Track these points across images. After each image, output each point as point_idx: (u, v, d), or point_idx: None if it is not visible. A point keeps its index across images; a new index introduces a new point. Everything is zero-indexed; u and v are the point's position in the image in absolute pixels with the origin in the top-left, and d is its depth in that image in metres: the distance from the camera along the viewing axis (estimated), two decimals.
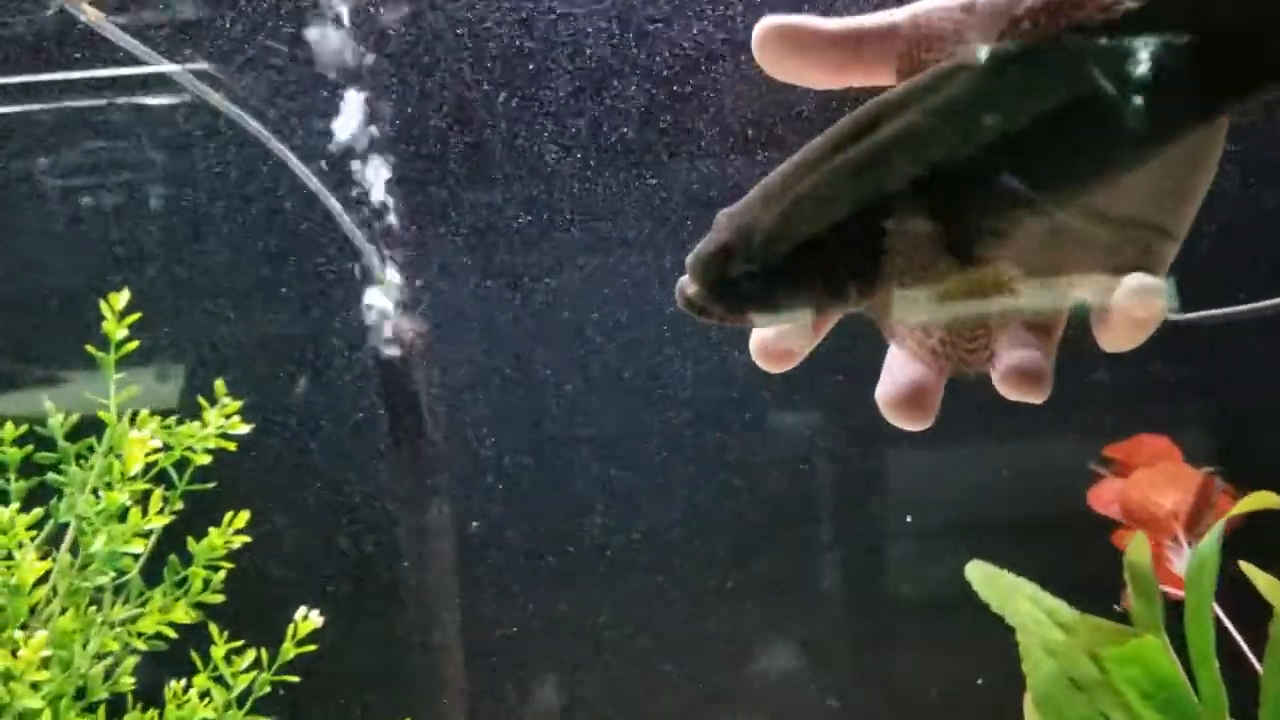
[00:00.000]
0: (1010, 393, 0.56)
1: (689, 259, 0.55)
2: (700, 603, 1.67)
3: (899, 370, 0.58)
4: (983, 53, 0.52)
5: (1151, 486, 1.32)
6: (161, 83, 1.41)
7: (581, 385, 1.56)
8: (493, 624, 1.55)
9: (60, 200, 1.49)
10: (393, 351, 1.39)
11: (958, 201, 0.53)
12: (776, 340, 0.59)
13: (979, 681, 1.66)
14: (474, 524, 1.49)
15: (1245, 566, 0.99)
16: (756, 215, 0.55)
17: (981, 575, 1.06)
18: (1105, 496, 1.37)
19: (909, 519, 1.71)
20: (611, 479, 1.57)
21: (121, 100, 1.43)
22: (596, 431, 1.59)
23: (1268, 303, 1.14)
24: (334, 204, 1.32)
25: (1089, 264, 0.56)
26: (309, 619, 1.32)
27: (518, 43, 1.44)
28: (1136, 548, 1.00)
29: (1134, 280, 0.51)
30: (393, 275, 1.41)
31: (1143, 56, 0.50)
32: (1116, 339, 0.53)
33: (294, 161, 1.32)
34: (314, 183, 1.33)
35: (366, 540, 1.48)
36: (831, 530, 1.75)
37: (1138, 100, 0.51)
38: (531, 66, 1.45)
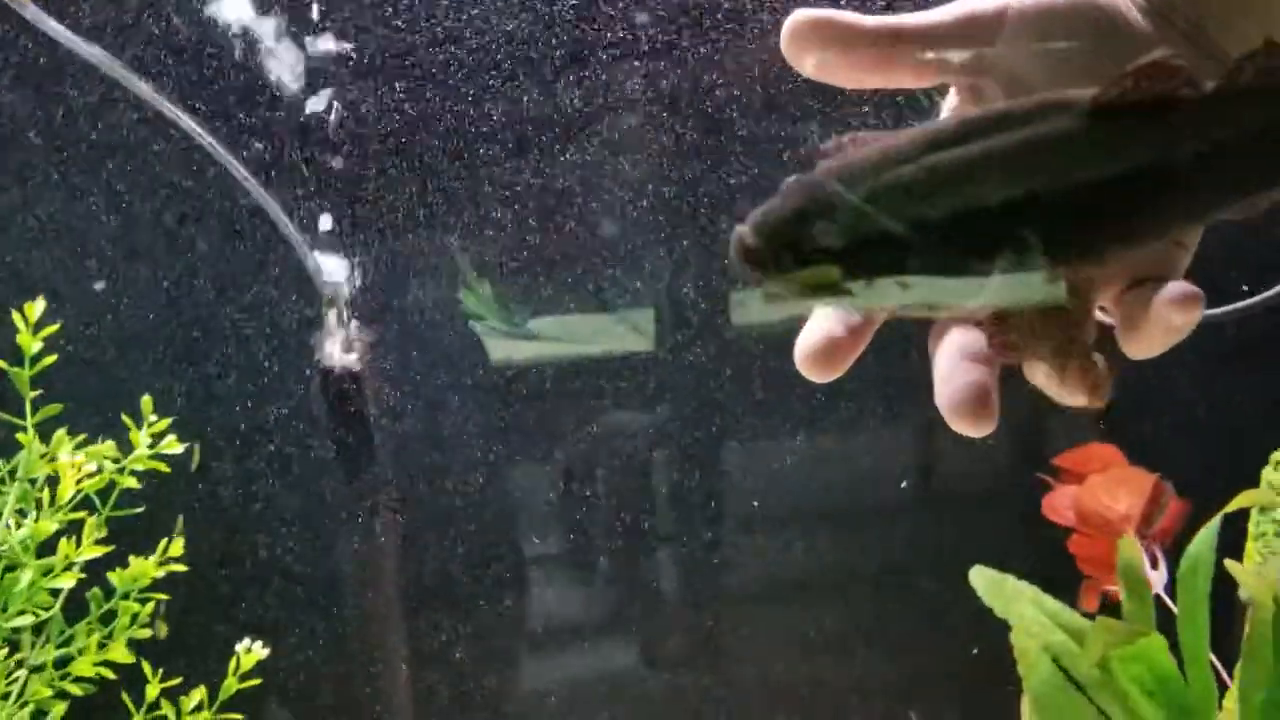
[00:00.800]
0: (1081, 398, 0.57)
1: (756, 214, 0.53)
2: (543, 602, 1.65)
3: (958, 375, 0.57)
4: (1084, 99, 0.54)
5: (1105, 492, 1.37)
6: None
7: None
8: (436, 640, 1.50)
9: None
10: (339, 364, 1.32)
11: (1039, 229, 0.55)
12: (824, 341, 0.59)
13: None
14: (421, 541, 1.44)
15: (1230, 564, 1.04)
16: (836, 190, 0.54)
17: (985, 581, 1.08)
18: (1060, 504, 1.41)
19: (755, 504, 1.74)
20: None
21: None
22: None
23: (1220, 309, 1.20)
24: (278, 213, 1.25)
25: (1118, 276, 0.58)
26: (252, 651, 1.24)
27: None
28: (1126, 550, 1.03)
29: (1176, 288, 0.53)
30: (337, 282, 1.35)
31: (1218, 137, 0.53)
32: (1149, 346, 0.54)
33: (235, 165, 1.24)
34: (254, 187, 1.25)
35: (311, 559, 1.41)
36: (670, 524, 1.75)
37: (1207, 177, 0.54)
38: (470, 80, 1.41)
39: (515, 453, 1.58)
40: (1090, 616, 1.16)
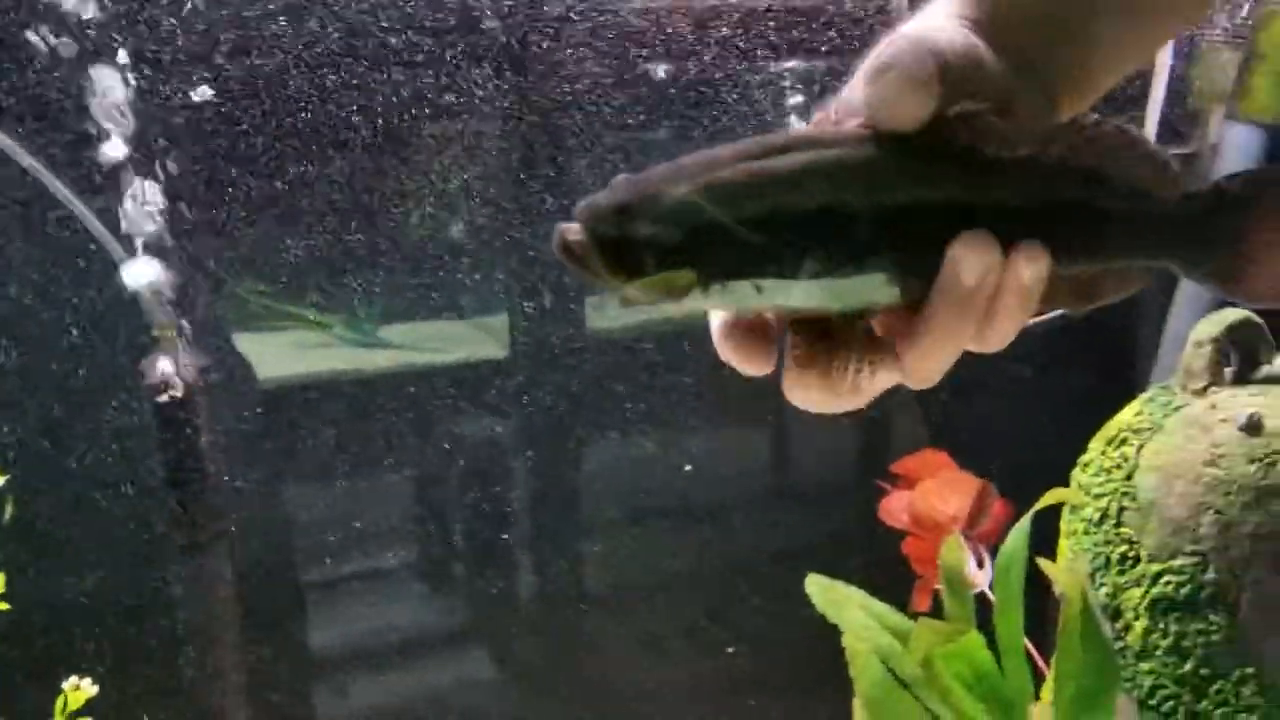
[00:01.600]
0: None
1: (581, 206, 0.55)
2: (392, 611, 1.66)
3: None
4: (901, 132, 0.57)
5: (935, 495, 1.44)
6: None
7: None
8: (276, 664, 1.48)
9: None
10: (169, 389, 1.29)
11: (843, 235, 0.58)
12: (722, 333, 0.60)
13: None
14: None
15: (1041, 561, 1.11)
16: (663, 186, 0.56)
17: (818, 587, 1.12)
18: (895, 508, 1.48)
19: (611, 506, 1.76)
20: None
21: None
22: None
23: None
24: (103, 233, 1.22)
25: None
26: (80, 688, 1.21)
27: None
28: (950, 551, 1.09)
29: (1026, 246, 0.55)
30: (165, 305, 1.32)
31: (1016, 203, 0.58)
32: (1003, 328, 0.56)
33: (62, 191, 1.20)
34: (78, 206, 1.22)
35: (144, 590, 1.37)
36: (524, 530, 1.78)
37: (1008, 231, 0.57)
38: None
39: (364, 464, 1.57)
40: (921, 615, 1.22)
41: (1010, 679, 1.12)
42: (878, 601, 1.12)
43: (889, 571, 1.37)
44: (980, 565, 1.38)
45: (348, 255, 1.51)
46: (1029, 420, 1.70)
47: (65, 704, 1.20)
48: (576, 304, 1.69)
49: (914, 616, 1.19)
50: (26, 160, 1.27)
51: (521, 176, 1.59)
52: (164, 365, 1.27)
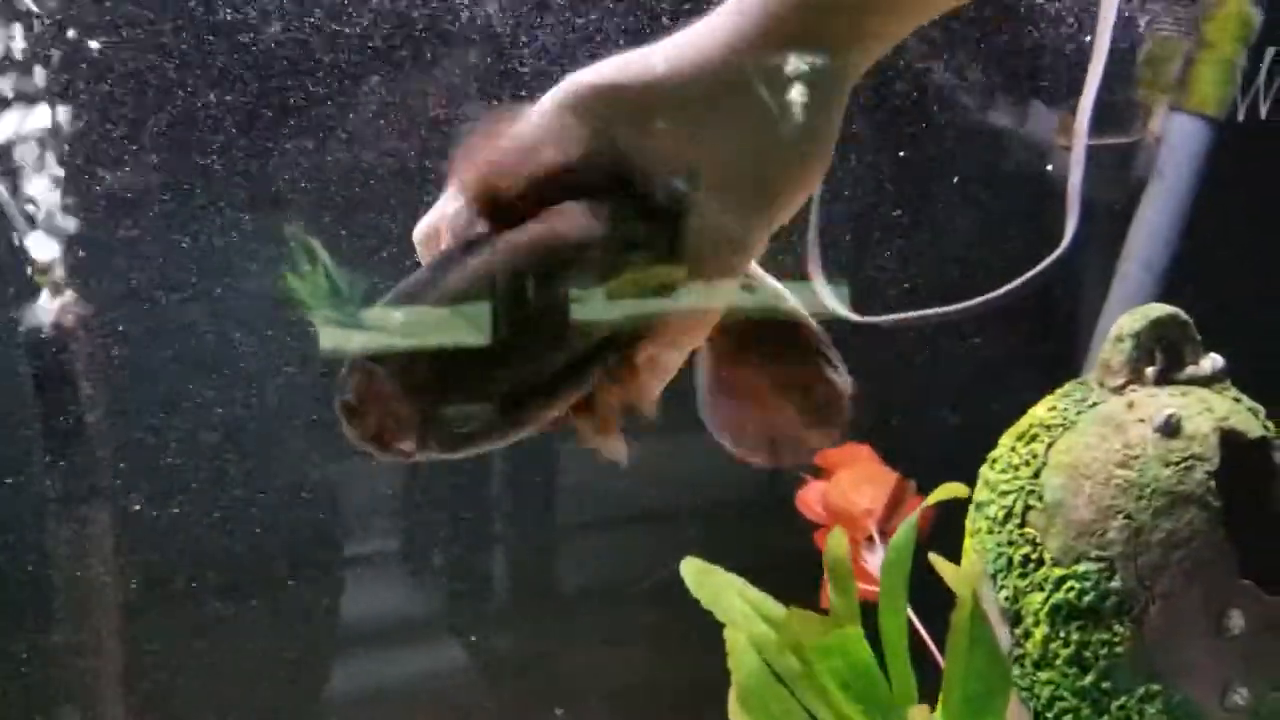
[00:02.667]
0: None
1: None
2: (371, 601, 1.63)
3: None
4: None
5: (851, 487, 1.40)
6: None
7: (252, 374, 1.47)
8: (153, 634, 1.44)
9: None
10: (49, 335, 1.26)
11: None
12: None
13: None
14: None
15: (933, 558, 1.06)
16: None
17: (694, 571, 1.08)
18: (810, 498, 1.44)
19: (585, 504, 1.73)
20: (279, 475, 1.50)
21: None
22: (267, 424, 1.51)
23: (934, 310, 1.24)
24: None
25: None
26: None
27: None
28: (835, 542, 1.05)
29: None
30: (49, 249, 1.28)
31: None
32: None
33: None
34: None
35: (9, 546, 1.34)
36: (508, 523, 1.75)
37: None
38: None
39: (337, 450, 1.53)
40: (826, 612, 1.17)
41: (893, 680, 1.07)
42: (755, 590, 1.07)
43: None
44: None
45: (327, 229, 1.47)
46: (960, 413, 1.65)
47: None
48: (560, 295, 1.65)
49: (823, 613, 1.14)
50: None
51: None
52: (45, 315, 1.24)
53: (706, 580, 1.07)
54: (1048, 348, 1.61)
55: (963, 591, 1.06)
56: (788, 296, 0.66)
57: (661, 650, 1.80)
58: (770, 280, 0.67)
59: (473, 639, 1.73)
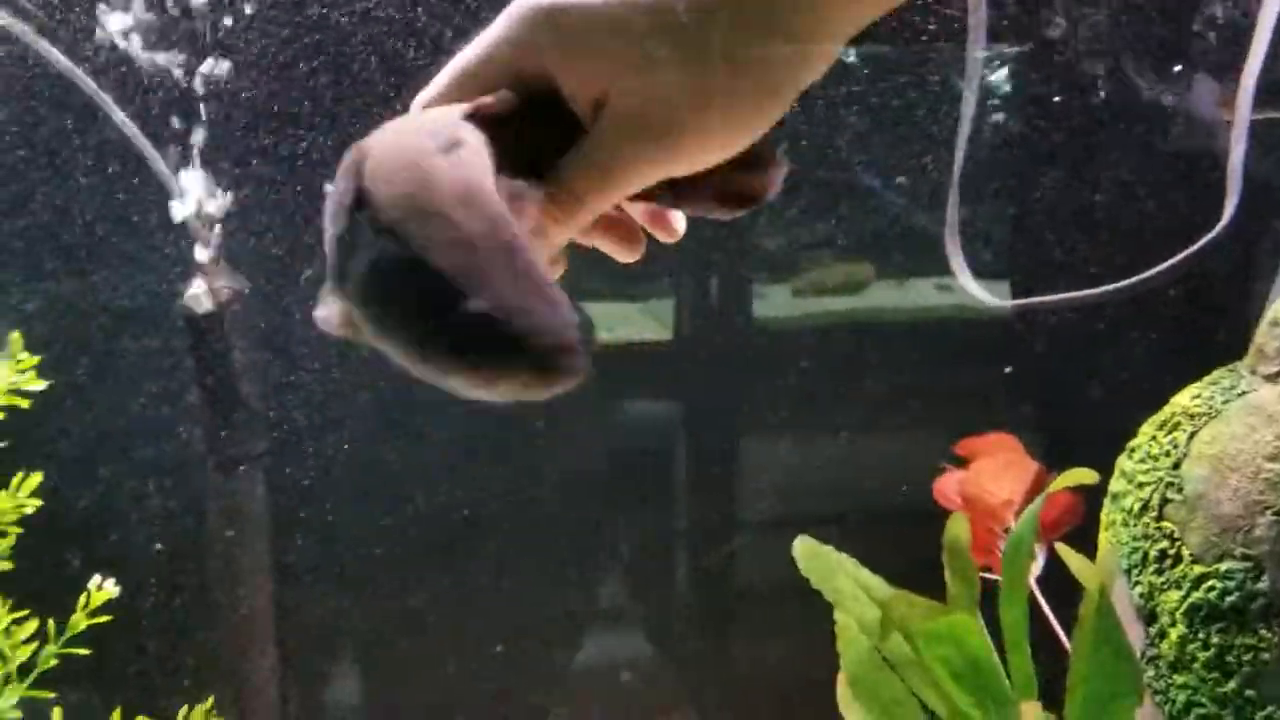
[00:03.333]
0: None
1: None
2: (543, 586, 1.68)
3: None
4: None
5: (990, 477, 1.36)
6: None
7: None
8: (304, 599, 1.53)
9: None
10: (205, 309, 1.35)
11: None
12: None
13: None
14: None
15: (1060, 548, 1.03)
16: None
17: (806, 551, 1.07)
18: (948, 488, 1.40)
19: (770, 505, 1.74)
20: (444, 456, 1.56)
21: None
22: (430, 408, 1.57)
23: (1096, 290, 1.19)
24: (150, 151, 1.28)
25: None
26: (103, 589, 1.28)
27: None
28: (955, 526, 1.02)
29: None
30: (210, 224, 1.38)
31: None
32: None
33: (114, 110, 1.27)
34: (130, 128, 1.28)
35: (173, 507, 1.44)
36: (684, 518, 1.76)
37: None
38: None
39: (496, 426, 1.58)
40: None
41: (1013, 673, 1.04)
42: (868, 572, 1.06)
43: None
44: (1031, 557, 1.29)
45: None
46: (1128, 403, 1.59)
47: (88, 601, 1.28)
48: (743, 293, 1.69)
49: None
50: (128, 128, 1.35)
51: None
52: (201, 289, 1.33)
53: (816, 560, 1.07)
54: (1210, 332, 1.52)
55: (1090, 585, 1.02)
56: None
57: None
58: None
59: (653, 630, 1.76)
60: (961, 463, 1.46)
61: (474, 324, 0.56)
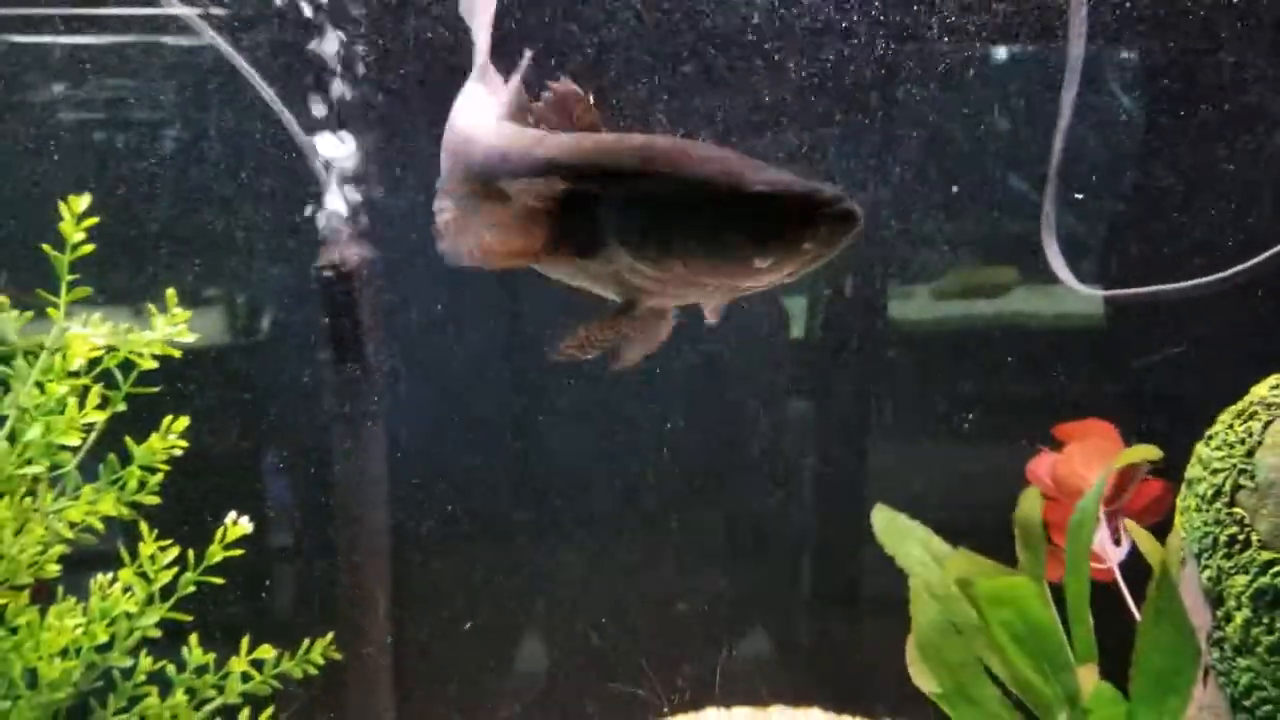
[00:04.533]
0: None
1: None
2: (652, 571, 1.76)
3: None
4: None
5: (1082, 462, 1.40)
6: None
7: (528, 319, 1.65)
8: (423, 553, 1.66)
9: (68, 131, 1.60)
10: (336, 273, 1.49)
11: None
12: None
13: None
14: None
15: (1129, 524, 1.09)
16: None
17: (882, 518, 1.15)
18: (1040, 469, 1.46)
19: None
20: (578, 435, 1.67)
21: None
22: (564, 387, 1.68)
23: (1190, 282, 1.23)
24: (291, 123, 1.43)
25: None
26: (238, 524, 1.43)
27: None
28: (1027, 501, 1.09)
29: None
30: (345, 195, 1.52)
31: None
32: None
33: (260, 82, 1.42)
34: (275, 101, 1.43)
35: (304, 460, 1.59)
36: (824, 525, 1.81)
37: None
38: None
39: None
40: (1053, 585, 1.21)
41: (1076, 641, 1.11)
42: (939, 540, 1.14)
43: None
44: (1117, 542, 1.35)
45: None
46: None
47: (224, 534, 1.43)
48: (879, 293, 1.72)
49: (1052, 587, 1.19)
50: (273, 101, 1.50)
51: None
52: (334, 251, 1.47)
53: (891, 527, 1.15)
54: None
55: (1157, 564, 1.09)
56: None
57: None
58: None
59: (774, 626, 1.83)
60: (1058, 446, 1.51)
61: (758, 202, 0.77)
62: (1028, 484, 1.80)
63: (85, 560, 1.40)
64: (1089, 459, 1.44)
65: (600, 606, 1.75)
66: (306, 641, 1.48)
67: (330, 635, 1.46)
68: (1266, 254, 1.19)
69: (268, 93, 1.51)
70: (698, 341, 1.68)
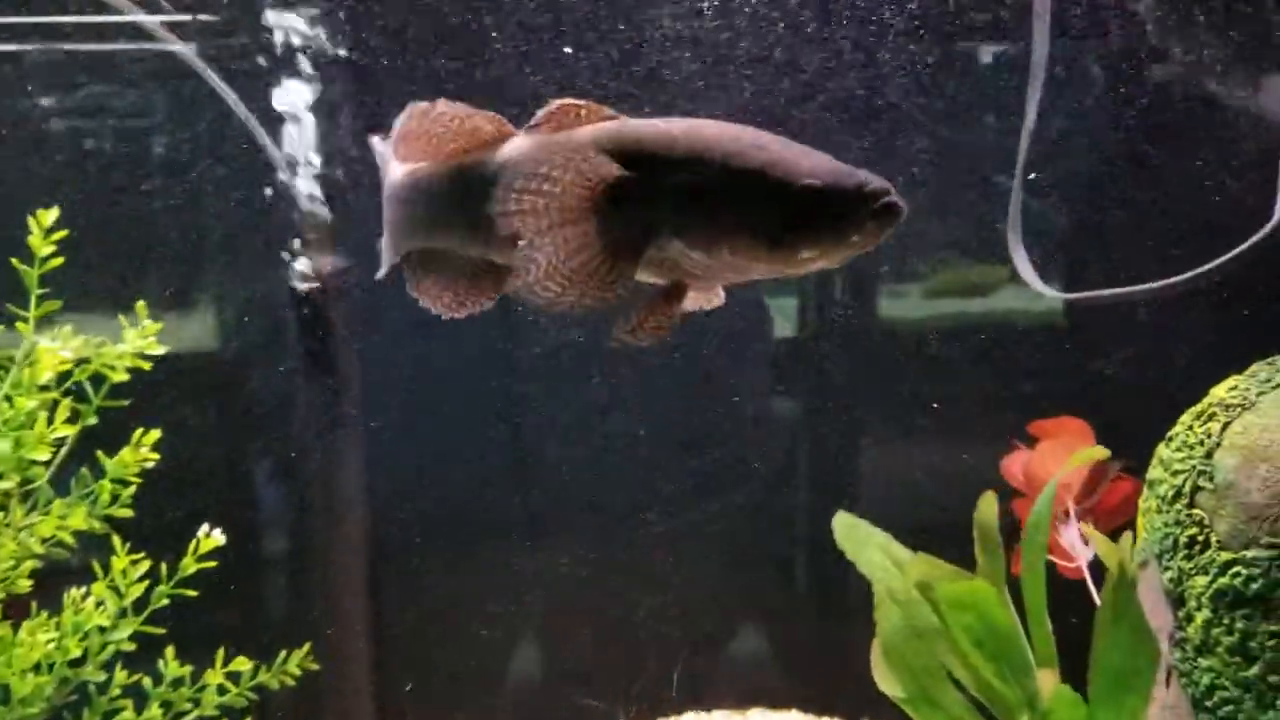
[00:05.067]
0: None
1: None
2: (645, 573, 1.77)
3: None
4: None
5: (1054, 459, 1.42)
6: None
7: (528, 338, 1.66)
8: (400, 566, 1.68)
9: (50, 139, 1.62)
10: (309, 286, 1.51)
11: None
12: None
13: None
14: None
15: (1085, 528, 1.10)
16: None
17: (842, 525, 1.17)
18: (1013, 466, 1.47)
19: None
20: (551, 442, 1.69)
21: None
22: (550, 393, 1.69)
23: (1147, 286, 1.25)
24: (270, 146, 1.45)
25: None
26: (210, 536, 1.45)
27: None
28: (984, 506, 1.11)
29: None
30: (319, 210, 1.53)
31: None
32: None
33: (225, 90, 1.44)
34: (243, 111, 1.45)
35: (278, 471, 1.61)
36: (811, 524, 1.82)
37: None
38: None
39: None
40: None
41: (1035, 644, 1.13)
42: (900, 546, 1.15)
43: None
44: (1086, 541, 1.36)
45: None
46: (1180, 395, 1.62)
47: (197, 547, 1.45)
48: (868, 293, 1.73)
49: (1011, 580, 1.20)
50: (240, 111, 1.52)
51: None
52: (307, 263, 1.48)
53: (851, 534, 1.16)
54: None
55: (1111, 565, 1.10)
56: None
57: None
58: None
59: (768, 625, 1.84)
60: (1031, 440, 1.53)
61: (809, 195, 0.82)
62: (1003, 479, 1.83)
63: (59, 572, 1.42)
64: (1061, 457, 1.45)
65: (575, 614, 1.77)
66: (283, 653, 1.50)
67: (307, 646, 1.48)
68: (1228, 255, 1.20)
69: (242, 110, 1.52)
70: (677, 347, 1.70)
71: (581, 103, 0.94)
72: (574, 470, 1.73)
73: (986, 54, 1.65)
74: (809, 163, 0.87)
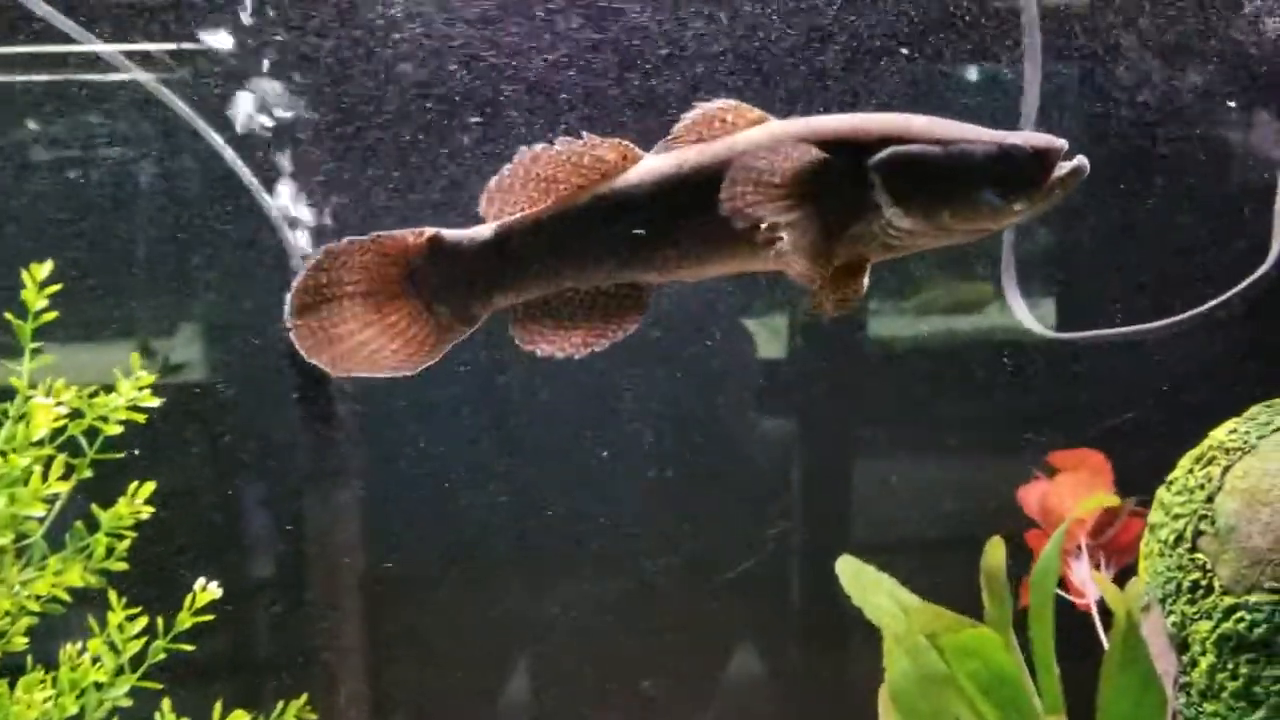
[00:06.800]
0: None
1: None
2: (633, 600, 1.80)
3: None
4: None
5: (1070, 493, 1.46)
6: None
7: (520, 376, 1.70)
8: (397, 608, 1.70)
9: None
10: None
11: None
12: None
13: None
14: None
15: (1094, 574, 1.14)
16: None
17: (848, 570, 1.21)
18: (1030, 497, 1.51)
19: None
20: (547, 474, 1.72)
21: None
22: (533, 426, 1.73)
23: (1140, 327, 1.29)
24: (254, 182, 1.48)
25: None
26: (207, 590, 1.47)
27: None
28: (991, 551, 1.15)
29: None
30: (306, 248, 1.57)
31: None
32: None
33: (220, 143, 1.48)
34: (238, 165, 1.49)
35: (275, 517, 1.64)
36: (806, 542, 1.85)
37: None
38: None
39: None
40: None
41: (1042, 690, 1.16)
42: (907, 592, 1.19)
43: None
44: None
45: None
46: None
47: (193, 601, 1.47)
48: (857, 310, 1.77)
49: (1020, 612, 1.23)
50: (236, 165, 1.56)
51: None
52: None
53: (858, 578, 1.20)
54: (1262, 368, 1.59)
55: (1117, 610, 1.14)
56: None
57: None
58: None
59: (762, 646, 1.87)
60: (1051, 470, 1.56)
61: (1023, 156, 0.96)
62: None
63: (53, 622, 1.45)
64: (1078, 492, 1.49)
65: (576, 642, 1.79)
66: (280, 704, 1.52)
67: (304, 697, 1.50)
68: (1224, 295, 1.25)
69: (229, 152, 1.56)
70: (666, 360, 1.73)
71: (731, 103, 1.03)
72: (572, 506, 1.76)
73: (974, 72, 1.70)
74: (990, 133, 1.01)
